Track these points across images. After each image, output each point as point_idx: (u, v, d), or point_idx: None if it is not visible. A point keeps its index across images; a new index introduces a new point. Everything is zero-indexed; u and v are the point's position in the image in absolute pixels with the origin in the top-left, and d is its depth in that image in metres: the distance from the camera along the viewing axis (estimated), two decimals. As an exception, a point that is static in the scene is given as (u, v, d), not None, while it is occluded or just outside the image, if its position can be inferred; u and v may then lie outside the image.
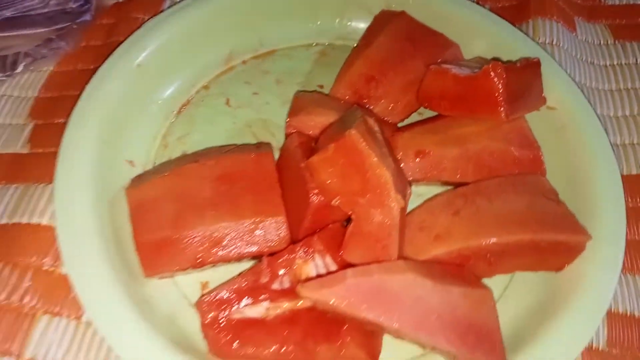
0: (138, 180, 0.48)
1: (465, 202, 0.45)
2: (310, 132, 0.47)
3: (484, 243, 0.41)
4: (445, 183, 0.50)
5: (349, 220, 0.42)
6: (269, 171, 0.45)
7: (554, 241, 0.42)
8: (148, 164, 0.51)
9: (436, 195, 0.47)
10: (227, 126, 0.53)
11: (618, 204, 0.46)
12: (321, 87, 0.57)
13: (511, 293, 0.47)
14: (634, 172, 0.54)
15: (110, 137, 0.48)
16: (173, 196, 0.44)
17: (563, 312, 0.42)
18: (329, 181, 0.40)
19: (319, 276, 0.41)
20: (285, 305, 0.41)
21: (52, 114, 0.54)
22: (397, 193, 0.38)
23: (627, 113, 0.58)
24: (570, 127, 0.51)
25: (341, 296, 0.35)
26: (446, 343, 0.37)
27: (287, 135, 0.48)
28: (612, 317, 0.46)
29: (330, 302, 0.35)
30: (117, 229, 0.45)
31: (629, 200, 0.52)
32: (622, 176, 0.48)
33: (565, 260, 0.45)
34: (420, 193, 0.50)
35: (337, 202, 0.40)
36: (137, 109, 0.51)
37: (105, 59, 0.54)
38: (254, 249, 0.43)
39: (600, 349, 0.45)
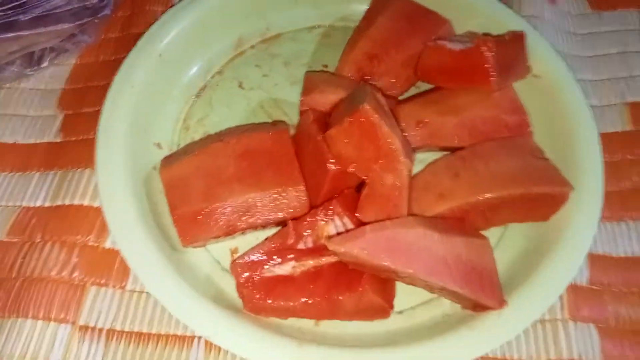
0: (168, 160, 0.52)
1: (463, 164, 0.49)
2: (323, 109, 0.52)
3: (481, 199, 0.46)
4: (444, 149, 0.55)
5: (361, 185, 0.46)
6: (287, 146, 0.49)
7: (541, 193, 0.46)
8: (173, 145, 0.55)
9: (437, 160, 0.51)
10: (242, 107, 0.57)
11: (596, 159, 0.52)
12: (325, 66, 0.62)
13: (505, 242, 0.52)
14: (610, 130, 0.60)
15: (140, 122, 0.51)
16: (202, 173, 0.48)
17: (550, 256, 0.47)
18: (345, 151, 0.44)
19: (339, 234, 0.46)
20: (310, 263, 0.45)
21: (79, 104, 0.59)
22: (405, 158, 0.44)
23: (604, 77, 0.63)
24: (553, 93, 0.56)
25: (363, 247, 0.41)
26: (453, 285, 0.43)
27: (302, 113, 0.53)
28: (594, 259, 0.53)
29: (354, 253, 0.41)
30: (154, 205, 0.49)
31: (606, 155, 0.58)
32: (600, 134, 0.54)
33: (550, 211, 0.50)
34: (421, 159, 0.55)
35: (352, 169, 0.44)
36: (161, 95, 0.54)
37: (124, 49, 0.59)
38: (279, 215, 0.47)
39: (583, 285, 0.51)
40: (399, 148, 0.44)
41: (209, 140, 0.53)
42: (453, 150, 0.54)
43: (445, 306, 0.47)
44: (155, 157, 0.52)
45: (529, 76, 0.57)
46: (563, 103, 0.55)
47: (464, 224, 0.49)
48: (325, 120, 0.50)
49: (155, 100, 0.54)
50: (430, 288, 0.46)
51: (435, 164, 0.51)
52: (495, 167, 0.48)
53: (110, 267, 0.49)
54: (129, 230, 0.46)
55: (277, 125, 0.54)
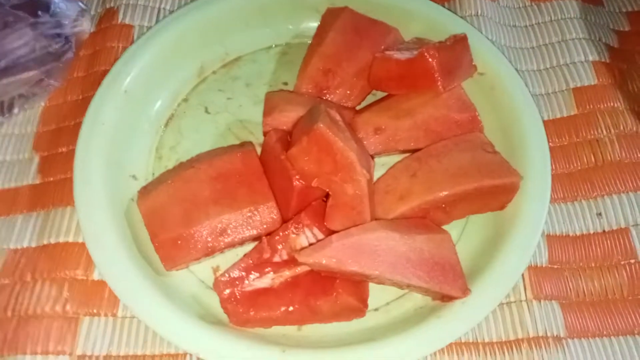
0: (144, 191, 0.54)
1: (420, 164, 0.52)
2: (284, 127, 0.55)
3: (438, 196, 0.49)
4: (403, 152, 0.59)
5: (327, 196, 0.49)
6: (255, 166, 0.51)
7: (493, 185, 0.50)
8: (148, 175, 0.56)
9: (396, 163, 0.53)
10: (211, 131, 0.59)
11: (542, 146, 0.56)
12: (286, 84, 0.65)
13: (467, 234, 0.54)
14: (558, 115, 0.64)
15: (113, 157, 0.53)
16: (178, 199, 0.50)
17: (507, 241, 0.51)
18: (307, 167, 0.47)
19: (310, 244, 0.50)
20: (287, 273, 0.48)
21: (54, 145, 0.61)
22: (362, 169, 0.47)
23: (548, 66, 0.67)
24: (498, 87, 0.60)
25: (330, 256, 0.45)
26: (418, 280, 0.47)
27: (265, 133, 0.56)
28: (551, 239, 0.57)
29: (323, 263, 0.45)
30: (136, 234, 0.51)
31: (555, 140, 0.62)
32: (545, 121, 0.58)
33: (505, 200, 0.54)
34: (383, 162, 0.58)
35: (316, 183, 0.47)
36: (131, 129, 0.56)
37: (91, 88, 0.61)
38: (253, 232, 0.49)
39: (543, 266, 0.55)
40: (354, 161, 0.47)
41: (181, 167, 0.56)
42: (412, 152, 0.57)
43: (417, 300, 0.50)
44: (132, 189, 0.54)
45: (475, 74, 0.61)
46: (508, 96, 0.59)
47: (425, 222, 0.53)
48: (288, 139, 0.54)
49: (126, 134, 0.55)
50: (399, 285, 0.50)
51: (395, 167, 0.54)
52: (448, 164, 0.51)
53: (100, 297, 0.50)
54: (113, 262, 0.47)
55: (244, 146, 0.57)
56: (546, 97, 0.64)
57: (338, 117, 0.51)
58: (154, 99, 0.59)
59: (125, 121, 0.56)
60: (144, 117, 0.58)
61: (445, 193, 0.49)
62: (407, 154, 0.57)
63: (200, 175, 0.51)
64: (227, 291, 0.47)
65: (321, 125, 0.47)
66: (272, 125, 0.55)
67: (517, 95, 0.59)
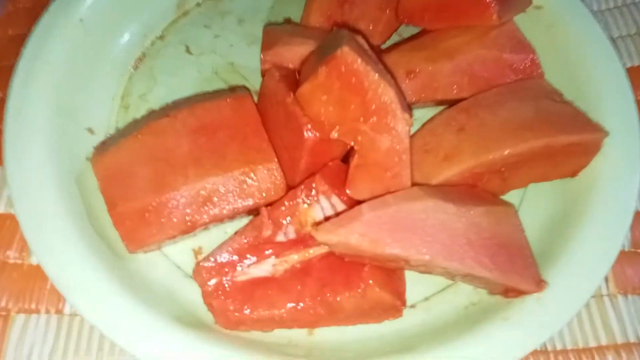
0: (102, 147, 0.43)
1: (467, 117, 0.42)
2: (290, 65, 0.42)
3: (497, 156, 0.38)
4: (440, 102, 0.46)
5: (349, 154, 0.39)
6: (251, 114, 0.41)
7: (568, 143, 0.39)
8: (110, 129, 0.46)
9: (434, 116, 0.44)
10: (192, 75, 0.48)
11: (626, 96, 0.43)
12: (288, 20, 0.51)
13: (526, 208, 0.44)
14: (629, 64, 0.51)
15: (62, 104, 0.42)
16: (146, 157, 0.39)
17: (587, 221, 0.39)
18: (324, 111, 0.35)
19: (327, 219, 0.36)
20: (295, 258, 0.37)
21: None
22: (403, 112, 0.34)
23: (619, 3, 0.54)
24: (559, 24, 0.48)
25: (362, 233, 0.31)
26: (479, 268, 0.34)
27: (264, 73, 0.42)
28: (636, 217, 0.44)
29: (352, 242, 0.31)
30: (89, 204, 0.41)
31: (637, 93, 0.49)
32: (627, 68, 0.45)
33: (580, 163, 0.42)
34: (416, 117, 0.45)
35: (335, 135, 0.35)
36: (88, 69, 0.45)
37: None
38: (248, 202, 0.39)
39: (628, 250, 0.42)
40: (393, 100, 0.34)
41: (151, 117, 0.43)
42: (451, 103, 0.44)
43: (466, 293, 0.40)
44: (87, 145, 0.44)
45: (530, 9, 0.48)
46: (573, 34, 0.47)
47: (477, 191, 0.41)
48: (294, 79, 0.40)
49: (81, 76, 0.45)
50: (449, 275, 0.36)
51: (434, 121, 0.43)
52: (507, 116, 0.41)
53: (40, 288, 0.41)
54: (55, 241, 0.37)
55: (236, 91, 0.43)
56: (621, 40, 0.51)
57: (367, 46, 0.37)
58: (120, 32, 0.48)
59: (81, 59, 0.45)
60: (105, 56, 0.47)
61: (507, 152, 0.38)
62: (444, 107, 0.45)
63: (177, 126, 0.40)
64: (213, 281, 0.37)
65: (346, 49, 0.33)
66: (273, 61, 0.42)
67: (586, 33, 0.46)
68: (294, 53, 0.42)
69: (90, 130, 0.45)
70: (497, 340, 0.35)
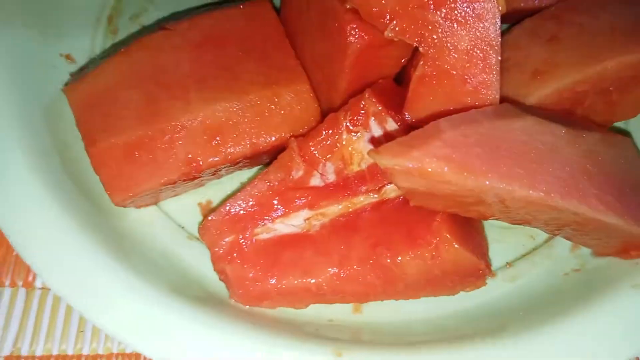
0: (80, 74, 0.34)
1: (560, 23, 0.33)
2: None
3: (608, 67, 0.30)
4: (517, 12, 0.36)
5: (404, 72, 0.30)
6: (272, 23, 0.33)
7: None
8: (93, 56, 0.38)
9: (511, 28, 0.35)
10: None
11: None
12: None
13: None
14: None
15: (35, 23, 0.35)
16: (135, 79, 0.31)
17: None
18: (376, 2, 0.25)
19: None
20: (336, 209, 0.29)
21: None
22: (492, -9, 0.24)
23: None
24: None
25: (445, 156, 0.21)
26: (608, 211, 0.23)
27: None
28: None
29: (430, 169, 0.21)
30: (64, 146, 0.33)
31: None
32: None
33: None
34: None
35: (392, 32, 0.26)
36: None
37: None
38: (272, 136, 0.30)
39: None
40: None
41: (144, 33, 0.33)
42: (527, 14, 0.35)
43: (563, 255, 0.32)
44: (63, 75, 0.36)
45: None
46: None
47: (578, 118, 0.32)
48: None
49: None
50: (555, 225, 0.26)
51: (512, 32, 0.35)
52: (613, 20, 0.33)
53: (4, 256, 0.34)
54: (14, 193, 0.29)
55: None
56: None
57: None
58: None
59: None
60: None
61: (620, 60, 0.30)
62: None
63: (175, 41, 0.32)
64: (226, 240, 0.29)
65: None
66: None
67: None
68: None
69: (68, 57, 0.37)
70: (631, 314, 0.24)
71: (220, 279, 0.30)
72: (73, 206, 0.30)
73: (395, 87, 0.30)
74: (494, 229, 0.32)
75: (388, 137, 0.28)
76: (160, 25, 0.36)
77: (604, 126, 0.34)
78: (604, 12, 0.33)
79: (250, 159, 0.31)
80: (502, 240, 0.32)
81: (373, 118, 0.27)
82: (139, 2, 0.40)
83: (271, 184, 0.28)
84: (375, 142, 0.28)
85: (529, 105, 0.31)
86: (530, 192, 0.22)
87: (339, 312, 0.30)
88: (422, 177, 0.22)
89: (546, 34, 0.33)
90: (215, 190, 0.34)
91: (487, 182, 0.22)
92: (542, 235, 0.33)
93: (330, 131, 0.28)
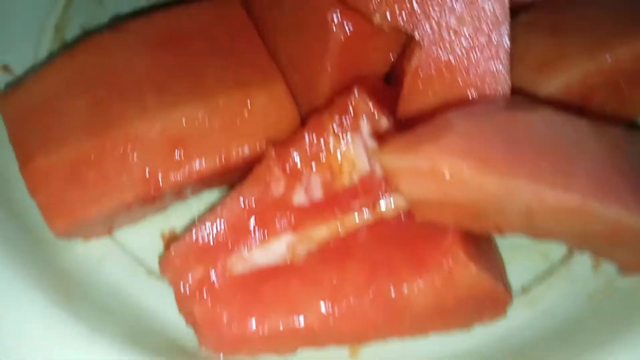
0: (18, 84, 0.29)
1: (559, 14, 0.31)
2: None
3: (620, 54, 0.28)
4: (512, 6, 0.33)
5: (394, 70, 0.27)
6: (239, 19, 0.29)
7: None
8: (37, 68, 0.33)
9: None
10: None
11: None
12: None
13: None
14: None
15: None
16: (82, 85, 0.27)
17: None
18: None
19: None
20: (324, 231, 0.24)
21: None
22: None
23: None
24: None
25: (462, 151, 0.17)
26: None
27: None
28: None
29: (445, 166, 0.17)
30: None
31: None
32: None
33: None
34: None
35: (382, 18, 0.23)
36: None
37: None
38: (245, 146, 0.26)
39: None
40: None
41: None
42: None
43: (583, 275, 0.28)
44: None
45: None
46: None
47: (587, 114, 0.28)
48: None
49: None
50: (582, 237, 0.22)
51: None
52: (615, 7, 0.31)
53: None
54: None
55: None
56: None
57: None
58: None
59: None
60: None
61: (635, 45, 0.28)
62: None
63: (128, 40, 0.28)
64: (193, 276, 0.25)
65: None
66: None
67: None
68: None
69: (5, 68, 0.33)
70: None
71: (187, 323, 0.26)
72: (2, 238, 0.26)
73: (384, 87, 0.26)
74: (501, 249, 0.28)
75: (383, 141, 0.24)
76: (111, 25, 0.32)
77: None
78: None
79: (221, 176, 0.27)
80: (511, 262, 0.28)
81: (364, 118, 0.23)
82: (90, 8, 0.36)
83: (246, 204, 0.24)
84: (369, 146, 0.24)
85: (540, 100, 0.27)
86: (565, 194, 0.18)
87: (334, 357, 0.26)
88: (434, 179, 0.18)
89: (547, 26, 0.31)
90: (180, 215, 0.29)
91: (515, 182, 0.17)
92: (556, 252, 0.29)
93: (315, 135, 0.23)
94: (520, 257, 0.29)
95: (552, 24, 0.31)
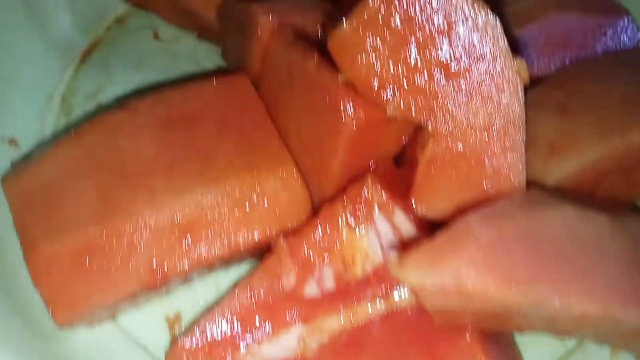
0: (23, 164, 0.28)
1: (567, 93, 0.31)
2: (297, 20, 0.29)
3: (634, 139, 0.27)
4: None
5: (405, 152, 0.26)
6: (250, 99, 0.29)
7: None
8: (42, 141, 0.34)
9: None
10: (162, 64, 0.37)
11: None
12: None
13: None
14: None
15: None
16: (89, 168, 0.27)
17: None
18: (376, 67, 0.22)
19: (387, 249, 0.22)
20: (336, 322, 0.23)
21: None
22: (515, 54, 0.20)
23: None
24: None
25: (485, 266, 0.17)
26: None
27: (254, 19, 0.29)
28: None
29: (469, 283, 0.16)
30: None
31: None
32: None
33: None
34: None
35: (396, 109, 0.22)
36: (16, 56, 0.34)
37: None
38: (254, 232, 0.25)
39: None
40: (497, 30, 0.20)
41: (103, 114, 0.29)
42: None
43: None
44: (4, 163, 0.31)
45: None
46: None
47: (596, 199, 0.28)
48: (313, 39, 0.28)
49: (5, 64, 0.33)
50: (600, 337, 0.21)
51: None
52: (625, 88, 0.30)
53: None
54: None
55: (225, 72, 0.30)
56: None
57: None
58: (62, 13, 0.37)
59: (7, 41, 0.33)
60: (43, 41, 0.36)
61: None
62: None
63: (137, 121, 0.28)
64: None
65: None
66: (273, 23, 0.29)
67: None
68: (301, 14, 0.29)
69: (12, 142, 0.32)
70: None
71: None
72: (3, 328, 0.24)
73: (395, 170, 0.26)
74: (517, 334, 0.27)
75: (396, 232, 0.23)
76: (120, 103, 0.32)
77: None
78: (614, 79, 0.31)
79: (229, 259, 0.26)
80: (527, 350, 0.27)
81: (377, 209, 0.23)
82: (96, 78, 0.36)
83: (256, 296, 0.23)
84: (383, 237, 0.24)
85: (553, 189, 0.26)
86: (588, 303, 0.17)
87: None
88: (458, 294, 0.17)
89: (555, 105, 0.30)
90: (185, 298, 0.28)
91: (538, 293, 0.17)
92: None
93: (327, 226, 0.23)
94: (535, 345, 0.27)
95: (562, 102, 0.30)
